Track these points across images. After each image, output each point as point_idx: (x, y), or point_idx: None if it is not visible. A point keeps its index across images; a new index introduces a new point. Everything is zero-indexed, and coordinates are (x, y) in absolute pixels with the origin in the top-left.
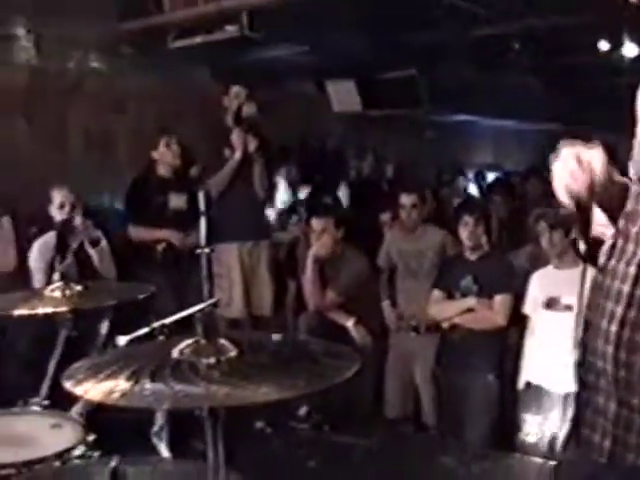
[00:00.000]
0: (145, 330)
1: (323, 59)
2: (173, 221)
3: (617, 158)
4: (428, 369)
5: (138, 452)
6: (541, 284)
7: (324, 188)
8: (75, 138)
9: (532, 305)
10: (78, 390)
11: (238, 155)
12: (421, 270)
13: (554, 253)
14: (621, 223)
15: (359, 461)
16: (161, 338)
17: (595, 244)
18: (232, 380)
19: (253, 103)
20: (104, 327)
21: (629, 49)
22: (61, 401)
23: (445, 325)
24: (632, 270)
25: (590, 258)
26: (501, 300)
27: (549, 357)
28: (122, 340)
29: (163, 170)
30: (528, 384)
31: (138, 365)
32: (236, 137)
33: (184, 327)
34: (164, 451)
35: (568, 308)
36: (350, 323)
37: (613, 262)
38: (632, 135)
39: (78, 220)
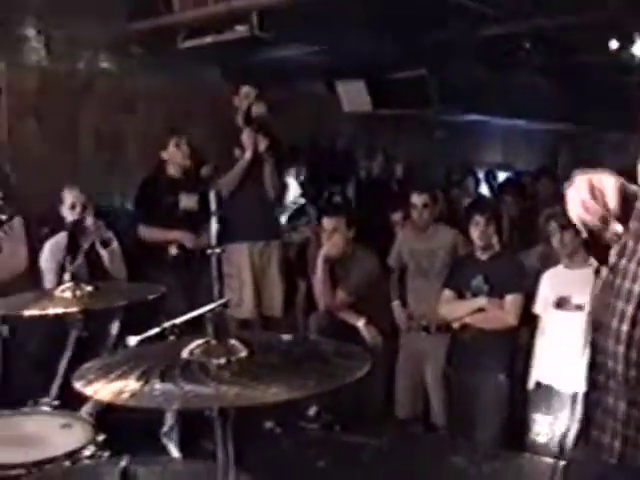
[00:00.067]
0: (155, 330)
1: (333, 59)
2: (184, 222)
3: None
4: (439, 369)
5: (148, 452)
6: (552, 284)
7: (334, 188)
8: (85, 138)
9: (543, 305)
10: (88, 390)
11: (248, 155)
12: (432, 270)
13: (565, 253)
14: (632, 223)
15: (369, 461)
16: (171, 338)
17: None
18: (242, 380)
19: (263, 103)
20: (114, 327)
21: (639, 48)
22: (71, 401)
23: (456, 325)
24: None
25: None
26: (512, 300)
27: (560, 357)
28: (132, 340)
29: (173, 170)
30: (538, 384)
31: (148, 365)
32: (246, 137)
33: (194, 327)
34: (174, 451)
35: (579, 308)
36: (361, 323)
37: (624, 261)
38: None
39: (90, 220)
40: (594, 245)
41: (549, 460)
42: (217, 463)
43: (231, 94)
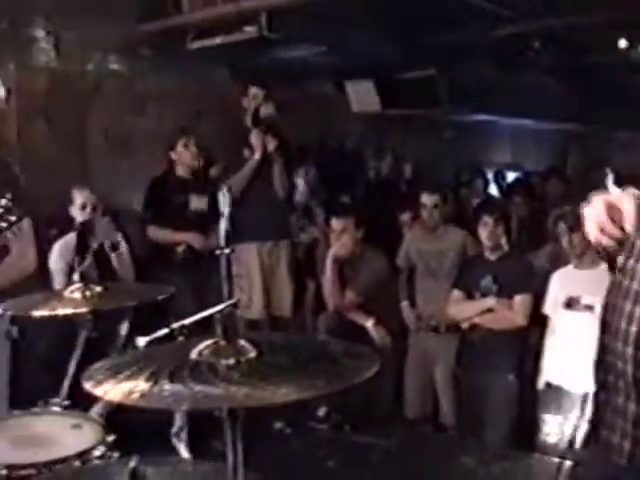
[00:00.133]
0: (165, 331)
1: (342, 59)
2: (194, 223)
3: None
4: (448, 369)
5: (158, 453)
6: (561, 284)
7: (343, 188)
8: (95, 139)
9: (552, 305)
10: (98, 391)
11: (257, 156)
12: (441, 270)
13: (574, 254)
14: None
15: (378, 461)
16: (181, 339)
17: None
18: (251, 381)
19: (270, 104)
20: (124, 328)
21: None
22: (81, 402)
23: (465, 325)
24: None
25: None
26: (521, 300)
27: (569, 357)
28: (142, 341)
29: (182, 171)
30: (548, 384)
31: (157, 366)
32: (255, 138)
33: (204, 328)
34: (183, 452)
35: (588, 308)
36: (369, 323)
37: (632, 262)
38: None
39: (102, 221)
40: (610, 263)
41: (558, 460)
42: (226, 463)
43: (240, 95)
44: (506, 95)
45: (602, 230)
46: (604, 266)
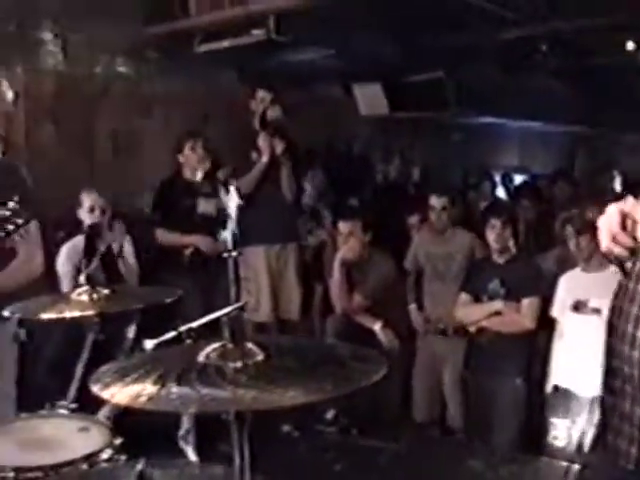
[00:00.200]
0: (172, 334)
1: (350, 62)
2: (202, 226)
3: None
4: (457, 372)
5: (165, 455)
6: (568, 287)
7: (350, 191)
8: (102, 142)
9: (559, 308)
10: (105, 394)
11: (265, 159)
12: (449, 273)
13: (582, 257)
14: None
15: (386, 465)
16: (188, 342)
17: None
18: (259, 384)
19: (277, 107)
20: (131, 331)
21: None
22: (88, 405)
23: (473, 328)
24: None
25: None
26: (528, 303)
27: (577, 360)
28: (149, 344)
29: (189, 173)
30: (556, 388)
31: (165, 369)
32: (262, 141)
33: (211, 331)
34: (191, 455)
35: (596, 311)
36: (377, 326)
37: (639, 266)
38: None
39: (116, 225)
40: (623, 271)
41: (566, 464)
42: (234, 467)
43: (248, 98)
44: (514, 98)
45: (614, 239)
46: (612, 269)
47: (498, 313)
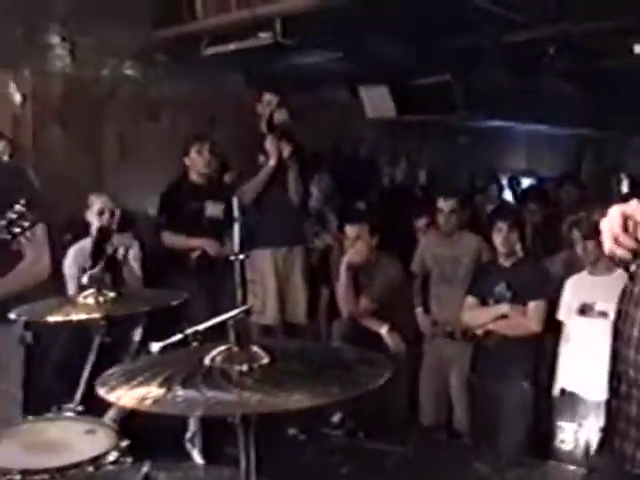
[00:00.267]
0: (178, 337)
1: (356, 65)
2: (209, 229)
3: None
4: (463, 376)
5: (171, 458)
6: (575, 290)
7: (357, 195)
8: (109, 145)
9: (566, 311)
10: (111, 396)
11: (273, 162)
12: (455, 276)
13: (588, 260)
14: None
15: (393, 468)
16: (194, 345)
17: None
18: (265, 387)
19: (284, 110)
20: (137, 334)
21: None
22: (95, 407)
23: (479, 332)
24: None
25: None
26: (535, 307)
27: (584, 364)
28: (155, 347)
29: (195, 177)
30: (563, 391)
31: (171, 372)
32: (269, 144)
33: (217, 334)
34: (197, 457)
35: (602, 314)
36: (384, 330)
37: None
38: None
39: (116, 227)
40: (627, 273)
41: (573, 468)
42: (239, 469)
43: (254, 101)
44: (521, 101)
45: (616, 241)
46: (619, 272)
47: (505, 316)
